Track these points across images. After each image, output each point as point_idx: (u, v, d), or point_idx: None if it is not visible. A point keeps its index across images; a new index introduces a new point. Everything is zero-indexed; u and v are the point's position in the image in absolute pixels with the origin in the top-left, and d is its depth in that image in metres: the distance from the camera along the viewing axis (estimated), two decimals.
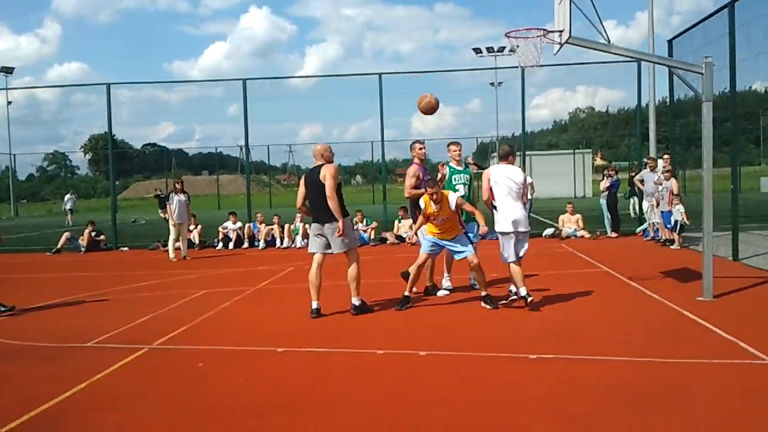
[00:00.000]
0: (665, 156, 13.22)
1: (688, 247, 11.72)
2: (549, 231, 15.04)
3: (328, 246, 6.98)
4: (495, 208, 7.14)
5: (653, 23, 17.88)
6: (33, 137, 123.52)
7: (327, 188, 6.79)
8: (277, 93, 30.42)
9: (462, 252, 7.14)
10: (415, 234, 7.66)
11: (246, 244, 15.19)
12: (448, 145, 8.32)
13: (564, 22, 6.90)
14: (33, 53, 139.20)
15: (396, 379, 4.81)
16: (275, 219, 15.25)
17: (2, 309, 7.68)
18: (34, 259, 14.72)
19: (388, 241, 14.87)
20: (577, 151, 46.07)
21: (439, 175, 8.06)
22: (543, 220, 17.63)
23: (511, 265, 7.00)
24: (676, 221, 11.86)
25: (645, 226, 13.98)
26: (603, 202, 14.92)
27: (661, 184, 12.31)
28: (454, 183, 8.03)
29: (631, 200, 18.70)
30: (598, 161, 54.13)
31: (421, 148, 8.19)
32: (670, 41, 12.97)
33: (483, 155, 43.04)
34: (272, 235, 15.14)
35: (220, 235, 15.33)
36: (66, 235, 15.87)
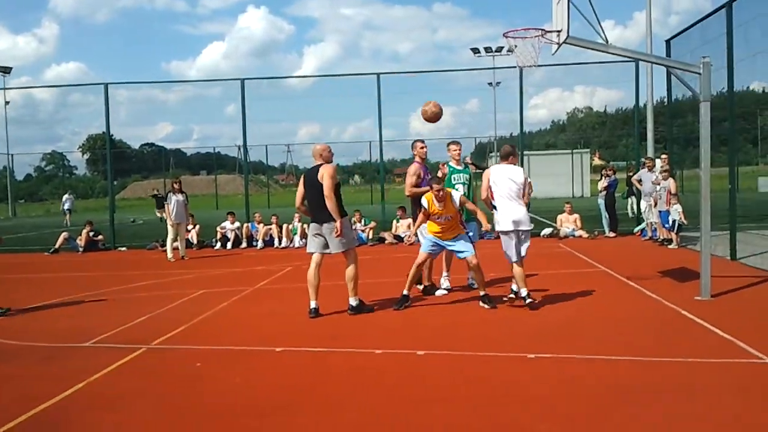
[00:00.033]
0: (663, 156, 13.24)
1: (686, 247, 11.74)
2: (547, 231, 15.06)
3: (326, 246, 6.97)
4: (494, 207, 7.15)
5: (651, 23, 17.91)
6: (31, 137, 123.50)
7: (325, 188, 6.79)
8: (275, 93, 30.34)
9: (462, 252, 7.15)
10: (415, 234, 7.67)
11: (244, 244, 15.18)
12: (448, 145, 8.34)
13: (562, 22, 6.91)
14: (30, 53, 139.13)
15: (395, 379, 4.81)
16: (273, 219, 15.25)
17: None
18: (31, 259, 14.69)
19: (386, 241, 14.86)
20: (575, 151, 46.08)
21: (440, 174, 8.07)
22: (541, 219, 17.63)
23: (514, 265, 7.00)
24: (673, 221, 11.88)
25: (643, 225, 14.00)
26: (601, 201, 14.94)
27: (659, 184, 12.33)
28: (453, 182, 8.04)
29: (629, 200, 18.72)
30: (596, 161, 54.29)
31: (422, 147, 8.22)
32: (667, 41, 12.98)
33: (481, 155, 43.02)
34: (270, 235, 15.14)
35: (218, 235, 15.32)
36: (64, 235, 15.85)
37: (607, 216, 14.70)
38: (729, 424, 3.77)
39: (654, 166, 13.25)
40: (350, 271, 6.97)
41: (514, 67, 12.51)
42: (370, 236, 15.24)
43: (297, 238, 14.80)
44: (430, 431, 3.83)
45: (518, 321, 6.52)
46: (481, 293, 7.18)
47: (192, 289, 9.11)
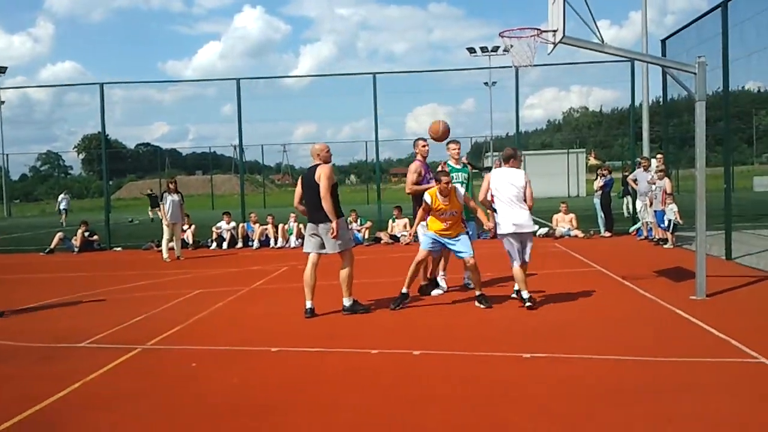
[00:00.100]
0: (658, 155, 13.26)
1: (682, 246, 11.77)
2: (543, 230, 15.07)
3: (322, 246, 6.97)
4: (495, 210, 7.14)
5: (647, 23, 18.00)
6: (26, 137, 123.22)
7: (321, 189, 6.78)
8: (271, 93, 30.18)
9: (462, 252, 7.15)
10: (415, 232, 7.66)
11: (240, 244, 15.16)
12: (447, 144, 8.34)
13: (558, 21, 6.91)
14: (26, 52, 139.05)
15: (391, 379, 4.81)
16: (269, 219, 15.22)
17: None
18: (27, 260, 14.66)
19: (382, 241, 14.86)
20: (570, 150, 46.21)
21: (440, 168, 8.08)
22: (537, 219, 17.63)
23: (515, 268, 7.01)
24: (669, 220, 11.91)
25: (638, 225, 14.03)
26: (596, 201, 14.96)
27: (654, 184, 12.36)
28: (452, 181, 8.03)
29: (625, 200, 18.77)
30: (592, 161, 54.34)
31: (424, 145, 8.25)
32: (663, 41, 13.00)
33: (477, 155, 43.11)
34: (266, 235, 15.12)
35: (214, 235, 15.30)
36: (59, 235, 15.82)
37: (603, 215, 14.72)
38: (724, 423, 3.78)
39: (649, 165, 13.27)
40: (345, 271, 6.96)
41: (510, 66, 12.53)
42: (367, 236, 15.24)
43: (293, 238, 14.78)
44: (425, 431, 3.83)
45: (514, 321, 6.53)
46: (477, 293, 7.18)
47: (188, 289, 9.10)
